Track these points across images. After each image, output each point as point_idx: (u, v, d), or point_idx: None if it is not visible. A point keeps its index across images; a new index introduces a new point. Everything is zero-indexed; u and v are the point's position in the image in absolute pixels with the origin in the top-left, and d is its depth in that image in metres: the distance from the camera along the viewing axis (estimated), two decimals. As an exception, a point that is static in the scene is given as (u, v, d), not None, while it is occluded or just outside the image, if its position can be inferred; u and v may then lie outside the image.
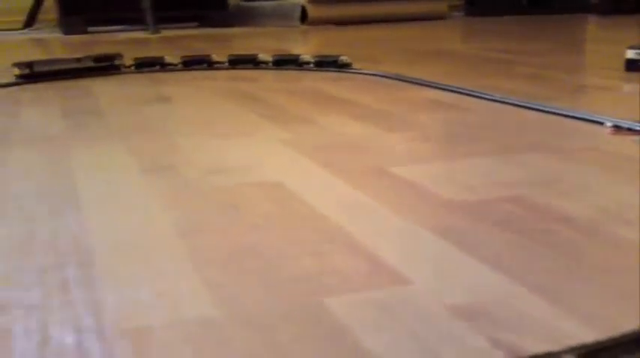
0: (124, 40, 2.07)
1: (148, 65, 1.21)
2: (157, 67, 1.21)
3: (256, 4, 2.66)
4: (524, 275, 0.33)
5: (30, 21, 2.78)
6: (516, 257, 0.36)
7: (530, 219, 0.41)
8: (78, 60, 1.15)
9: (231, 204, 0.46)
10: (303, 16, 2.35)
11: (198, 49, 1.66)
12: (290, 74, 1.14)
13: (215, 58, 1.23)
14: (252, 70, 1.21)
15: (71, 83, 1.10)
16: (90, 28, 2.46)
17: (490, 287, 0.32)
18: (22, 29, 2.78)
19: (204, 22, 2.63)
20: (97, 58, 1.17)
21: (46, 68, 1.12)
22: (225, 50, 1.50)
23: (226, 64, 1.22)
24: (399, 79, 1.01)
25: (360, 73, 1.10)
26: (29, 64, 1.09)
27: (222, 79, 1.11)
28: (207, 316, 0.30)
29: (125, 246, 0.39)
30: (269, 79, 1.10)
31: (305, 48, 1.70)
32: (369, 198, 0.46)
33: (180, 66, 1.22)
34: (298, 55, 1.21)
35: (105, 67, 1.17)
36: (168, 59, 1.22)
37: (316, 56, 1.19)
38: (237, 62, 1.21)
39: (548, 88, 0.89)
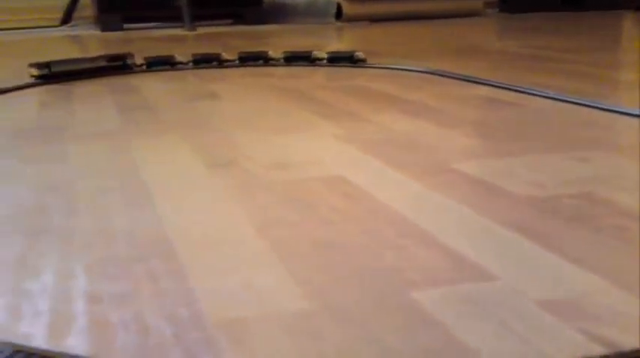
0: (160, 37, 2.08)
1: (159, 64, 1.21)
2: (168, 67, 1.21)
3: (291, 1, 2.67)
4: (605, 270, 0.34)
5: (66, 18, 2.82)
6: (594, 252, 0.36)
7: (601, 215, 0.41)
8: (92, 59, 1.15)
9: (300, 198, 0.47)
10: (338, 13, 2.35)
11: (234, 46, 1.67)
12: (338, 72, 1.15)
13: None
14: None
15: (116, 79, 1.12)
16: (126, 26, 2.49)
17: (575, 283, 0.32)
18: (58, 26, 2.82)
19: (238, 19, 2.64)
20: (111, 58, 1.17)
21: (63, 68, 1.11)
22: (262, 47, 1.51)
23: (236, 61, 1.23)
24: (446, 76, 1.01)
25: (406, 70, 1.10)
26: (47, 65, 1.09)
27: (264, 75, 1.11)
28: (299, 308, 0.31)
29: (205, 238, 0.40)
30: (314, 76, 1.10)
31: (340, 45, 1.70)
32: (437, 193, 0.46)
33: (190, 64, 1.23)
34: (310, 51, 1.21)
35: (118, 66, 1.17)
36: (178, 58, 1.22)
37: (330, 52, 1.19)
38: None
39: (596, 85, 0.89)
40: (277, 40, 1.87)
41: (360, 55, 1.17)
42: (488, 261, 0.35)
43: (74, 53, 1.57)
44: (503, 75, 1.00)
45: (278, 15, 2.68)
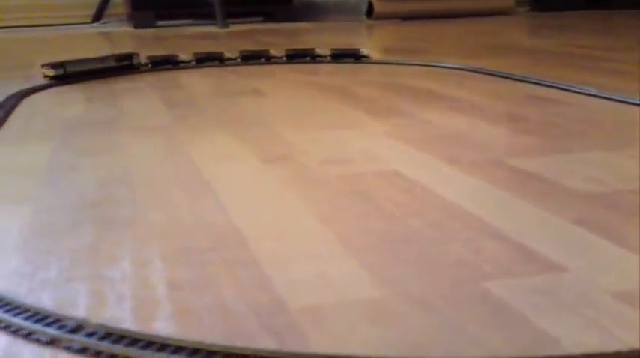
0: (193, 35, 2.10)
1: (162, 63, 1.22)
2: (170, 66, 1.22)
3: (321, -1, 2.68)
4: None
5: (98, 15, 2.85)
6: (662, 247, 0.36)
7: (664, 211, 0.42)
8: (102, 59, 1.15)
9: (359, 191, 0.48)
10: (370, 11, 2.36)
11: (266, 43, 1.68)
12: (378, 69, 1.15)
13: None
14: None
15: (158, 75, 1.13)
16: (159, 23, 2.51)
17: (645, 275, 0.33)
18: (90, 23, 2.85)
19: (269, 17, 2.66)
20: (119, 58, 1.16)
21: (78, 68, 1.10)
22: (296, 44, 1.52)
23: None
24: (486, 73, 1.01)
25: (445, 67, 1.10)
26: (62, 65, 1.07)
27: (303, 72, 1.12)
28: (375, 296, 0.32)
29: (272, 230, 0.41)
30: (354, 73, 1.11)
31: (370, 43, 1.70)
32: (496, 188, 0.47)
33: (193, 63, 1.24)
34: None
35: (125, 66, 1.17)
36: (182, 57, 1.22)
37: (333, 49, 1.21)
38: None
39: (637, 83, 0.89)
40: (311, 37, 1.87)
41: (364, 51, 1.19)
42: (556, 253, 0.36)
43: (106, 50, 1.59)
44: (543, 72, 1.00)
45: (308, 13, 2.69)
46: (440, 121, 0.69)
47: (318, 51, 1.26)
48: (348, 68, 1.17)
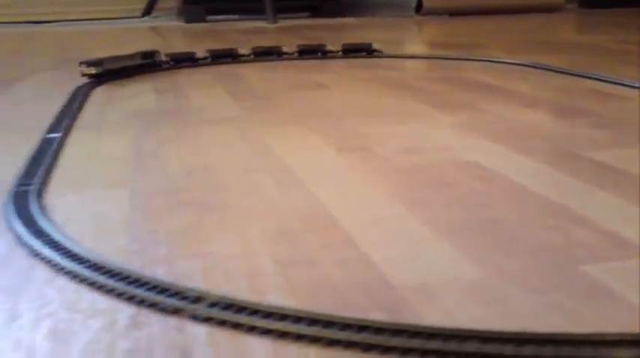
0: (243, 29, 2.13)
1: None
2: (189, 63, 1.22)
3: (368, -6, 2.69)
4: None
5: (148, 9, 2.89)
6: None
7: None
8: (131, 57, 1.13)
9: (439, 180, 0.49)
10: (418, 7, 2.36)
11: (314, 37, 1.70)
12: (433, 63, 1.17)
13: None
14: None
15: (220, 68, 1.16)
16: (209, 17, 2.55)
17: None
18: (140, 17, 2.90)
19: (316, 11, 2.68)
20: (144, 55, 1.16)
21: (114, 65, 1.09)
22: (345, 40, 1.54)
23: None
24: (545, 69, 1.02)
25: (504, 62, 1.11)
26: (100, 62, 1.05)
27: (361, 67, 1.14)
28: (475, 277, 0.34)
29: (362, 215, 0.43)
30: (412, 67, 1.12)
31: (421, 38, 1.71)
32: (575, 179, 0.48)
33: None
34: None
35: (149, 63, 1.16)
36: (198, 55, 1.22)
37: (344, 44, 1.26)
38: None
39: None
40: (360, 33, 1.89)
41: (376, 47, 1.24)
42: (645, 241, 0.37)
43: (158, 45, 1.63)
44: (602, 69, 1.00)
45: (356, 8, 2.71)
46: (508, 115, 0.71)
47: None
48: (406, 63, 1.18)
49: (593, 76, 0.93)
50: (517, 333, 0.27)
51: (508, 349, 0.26)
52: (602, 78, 0.91)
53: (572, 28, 1.91)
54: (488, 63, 1.13)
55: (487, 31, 1.82)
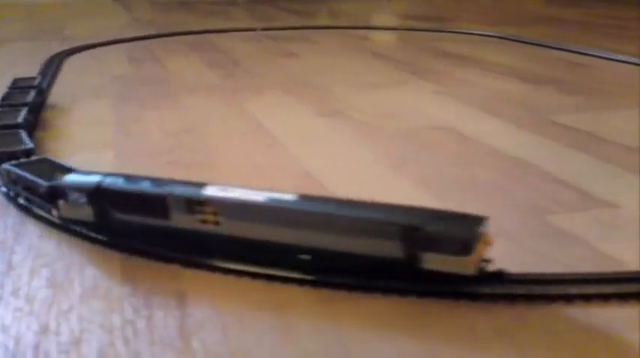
0: (216, 1, 2.12)
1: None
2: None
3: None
4: None
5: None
6: None
7: None
8: None
9: (420, 143, 0.51)
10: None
11: (287, 10, 1.70)
12: (410, 34, 1.18)
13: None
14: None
15: (193, 38, 1.16)
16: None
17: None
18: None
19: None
20: None
21: None
22: (310, 13, 1.54)
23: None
24: (516, 40, 1.04)
25: (477, 34, 1.13)
26: None
27: (336, 37, 1.15)
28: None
29: (347, 176, 0.44)
30: (386, 39, 1.14)
31: (393, 9, 1.73)
32: (547, 140, 0.50)
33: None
34: None
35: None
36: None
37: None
38: None
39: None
40: (335, 5, 1.89)
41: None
42: (609, 193, 0.39)
43: (123, 19, 1.62)
44: (571, 40, 1.03)
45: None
46: (483, 83, 0.72)
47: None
48: (380, 34, 1.19)
49: (563, 47, 0.95)
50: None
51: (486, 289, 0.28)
52: (572, 49, 0.93)
53: (544, 1, 1.93)
54: (461, 34, 1.14)
55: (459, 2, 1.84)
